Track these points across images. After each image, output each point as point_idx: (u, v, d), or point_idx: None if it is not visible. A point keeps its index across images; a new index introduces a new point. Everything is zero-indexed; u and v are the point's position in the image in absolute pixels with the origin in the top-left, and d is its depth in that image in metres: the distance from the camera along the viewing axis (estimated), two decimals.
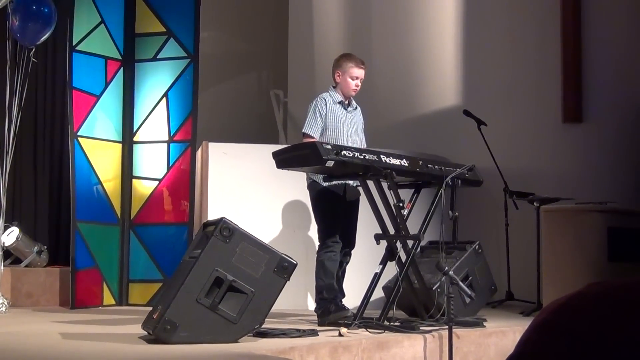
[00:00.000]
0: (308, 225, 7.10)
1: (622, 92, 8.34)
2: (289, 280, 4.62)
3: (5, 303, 6.36)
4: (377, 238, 5.65)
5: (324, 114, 5.93)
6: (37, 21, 6.98)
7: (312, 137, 5.86)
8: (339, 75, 6.04)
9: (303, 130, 5.99)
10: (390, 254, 5.64)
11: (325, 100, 5.98)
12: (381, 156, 5.47)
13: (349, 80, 5.99)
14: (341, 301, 5.90)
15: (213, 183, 7.30)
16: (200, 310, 4.45)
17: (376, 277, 5.58)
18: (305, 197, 6.04)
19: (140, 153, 7.58)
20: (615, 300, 0.97)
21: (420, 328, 5.19)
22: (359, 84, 6.04)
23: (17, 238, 7.44)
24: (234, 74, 11.71)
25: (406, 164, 5.60)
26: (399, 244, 5.65)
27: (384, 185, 5.54)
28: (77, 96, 7.20)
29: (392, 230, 5.67)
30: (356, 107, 6.18)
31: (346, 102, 6.06)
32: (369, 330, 5.08)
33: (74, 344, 4.61)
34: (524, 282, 7.36)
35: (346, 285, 6.10)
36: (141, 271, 7.42)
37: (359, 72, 6.01)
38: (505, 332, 5.52)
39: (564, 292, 1.06)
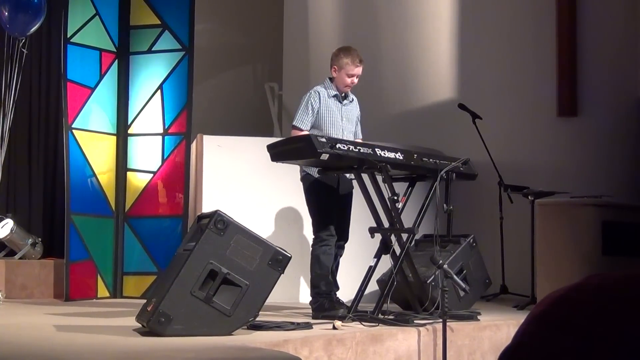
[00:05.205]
0: (303, 218, 7.09)
1: (617, 86, 8.35)
2: (283, 273, 4.62)
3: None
4: (372, 231, 5.65)
5: (316, 107, 5.91)
6: (27, 12, 6.96)
7: (301, 130, 5.85)
8: (334, 70, 6.01)
9: (293, 123, 5.96)
10: (384, 247, 5.63)
11: (319, 93, 5.95)
12: (376, 149, 5.47)
13: (344, 77, 5.96)
14: (336, 295, 5.91)
15: (207, 176, 7.29)
16: (195, 303, 4.45)
17: (370, 270, 5.57)
18: (300, 190, 6.03)
19: (135, 145, 7.57)
20: (616, 293, 0.96)
21: (415, 321, 5.19)
22: (355, 81, 6.00)
23: (11, 230, 7.42)
24: (229, 67, 11.69)
25: (401, 157, 5.60)
26: (393, 237, 5.65)
27: (379, 178, 5.54)
28: (71, 88, 7.18)
29: (386, 224, 5.67)
30: (352, 100, 6.15)
31: (342, 95, 6.04)
32: (363, 323, 5.08)
33: (68, 336, 4.61)
34: (518, 275, 7.37)
35: (341, 278, 6.10)
36: (135, 264, 7.42)
37: (356, 70, 5.96)
38: (499, 325, 5.52)
39: (558, 285, 1.06)
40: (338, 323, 4.90)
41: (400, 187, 5.66)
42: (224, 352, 3.97)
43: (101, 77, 7.42)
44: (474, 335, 5.34)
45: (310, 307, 5.87)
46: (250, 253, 4.55)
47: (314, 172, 5.85)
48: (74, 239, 7.07)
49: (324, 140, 5.23)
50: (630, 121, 8.32)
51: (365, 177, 5.58)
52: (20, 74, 7.27)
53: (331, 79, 6.04)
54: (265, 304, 4.65)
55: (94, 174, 7.30)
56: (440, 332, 4.86)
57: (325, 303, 5.73)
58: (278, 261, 4.58)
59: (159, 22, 7.60)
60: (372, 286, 5.89)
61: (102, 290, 7.30)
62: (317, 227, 5.91)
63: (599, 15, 8.35)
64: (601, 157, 8.19)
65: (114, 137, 7.53)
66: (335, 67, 6.00)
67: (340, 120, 6.00)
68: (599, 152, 8.22)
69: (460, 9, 8.97)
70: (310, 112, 5.89)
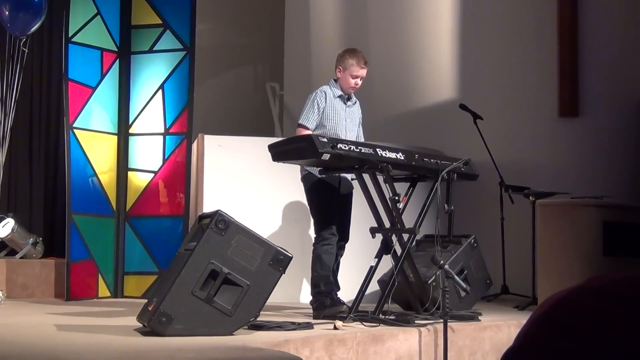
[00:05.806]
0: (304, 218, 7.09)
1: (618, 87, 8.35)
2: (284, 273, 4.62)
3: (0, 295, 6.35)
4: (373, 231, 5.65)
5: (322, 107, 5.92)
6: (28, 11, 6.96)
7: (307, 128, 5.86)
8: (339, 71, 6.02)
9: (299, 121, 5.98)
10: (385, 248, 5.63)
11: (325, 93, 5.97)
12: (377, 149, 5.47)
13: (349, 78, 5.98)
14: (337, 295, 5.90)
15: (209, 175, 7.29)
16: (196, 303, 4.45)
17: (372, 271, 5.57)
18: (301, 190, 6.04)
19: (136, 145, 7.57)
20: (618, 295, 0.96)
21: (416, 322, 5.19)
22: (359, 83, 6.02)
23: (12, 229, 7.43)
24: (230, 67, 11.69)
25: (402, 158, 5.60)
26: (394, 238, 5.65)
27: (380, 178, 5.54)
28: (72, 88, 7.18)
29: (387, 224, 5.67)
30: (355, 102, 6.17)
31: (346, 97, 6.05)
32: (364, 323, 5.08)
33: (69, 335, 4.61)
34: (519, 276, 7.36)
35: (341, 278, 6.10)
36: (136, 263, 7.42)
37: (360, 72, 5.99)
38: (500, 326, 5.52)
39: (560, 286, 1.05)
40: (339, 323, 4.90)
41: (401, 187, 5.66)
42: (224, 352, 3.97)
43: (102, 76, 7.42)
44: (474, 336, 5.34)
45: (311, 307, 5.87)
46: (251, 253, 4.55)
47: (315, 171, 5.85)
48: (75, 239, 7.07)
49: (325, 140, 5.23)
50: (631, 122, 8.32)
51: (366, 177, 5.58)
52: (21, 73, 7.28)
53: (336, 80, 6.06)
54: (266, 304, 4.65)
55: (95, 174, 7.30)
56: (441, 333, 4.86)
57: (326, 301, 5.73)
58: (279, 261, 4.58)
59: (160, 22, 7.60)
60: (373, 286, 5.89)
61: (103, 290, 7.30)
62: (319, 227, 5.91)
63: (600, 16, 8.34)
64: (602, 158, 8.19)
65: (115, 137, 7.53)
66: (340, 67, 6.02)
67: (344, 120, 6.01)
68: (600, 153, 8.22)
69: (461, 9, 8.97)
70: (317, 110, 5.91)
